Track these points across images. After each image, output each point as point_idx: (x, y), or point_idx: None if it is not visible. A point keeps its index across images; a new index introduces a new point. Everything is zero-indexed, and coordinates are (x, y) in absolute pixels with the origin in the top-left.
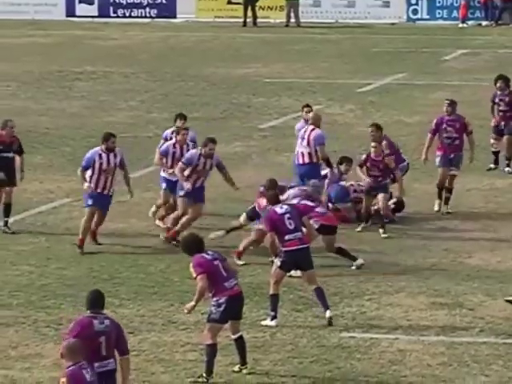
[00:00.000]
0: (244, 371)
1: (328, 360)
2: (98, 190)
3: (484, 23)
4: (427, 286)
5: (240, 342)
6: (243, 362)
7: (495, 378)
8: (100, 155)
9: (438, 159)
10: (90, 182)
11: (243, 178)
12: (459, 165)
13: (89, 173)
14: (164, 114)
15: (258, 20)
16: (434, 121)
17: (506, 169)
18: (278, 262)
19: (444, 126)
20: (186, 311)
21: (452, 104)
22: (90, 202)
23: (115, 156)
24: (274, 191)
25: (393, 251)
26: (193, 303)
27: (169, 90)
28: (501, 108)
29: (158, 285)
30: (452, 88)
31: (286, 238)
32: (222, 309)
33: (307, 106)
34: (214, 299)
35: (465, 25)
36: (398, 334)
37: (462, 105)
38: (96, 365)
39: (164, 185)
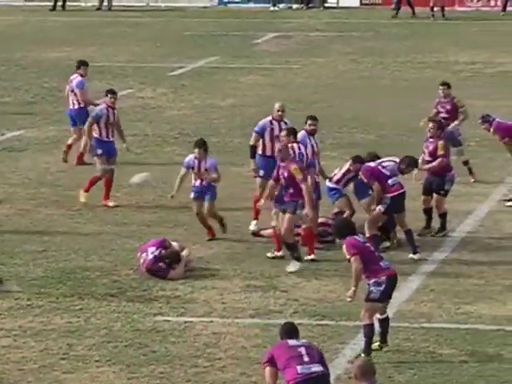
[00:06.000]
0: (384, 349)
1: (142, 344)
2: None
3: (295, 6)
4: (241, 269)
5: (386, 322)
6: (383, 340)
7: None
8: None
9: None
10: None
11: (56, 162)
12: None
13: None
14: None
15: (69, 3)
16: None
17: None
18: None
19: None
20: (349, 300)
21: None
22: None
23: None
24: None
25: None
26: (353, 288)
27: None
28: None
29: None
30: (264, 71)
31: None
32: (382, 288)
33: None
34: (373, 279)
35: (276, 8)
36: (213, 317)
37: (274, 88)
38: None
39: (100, 151)
